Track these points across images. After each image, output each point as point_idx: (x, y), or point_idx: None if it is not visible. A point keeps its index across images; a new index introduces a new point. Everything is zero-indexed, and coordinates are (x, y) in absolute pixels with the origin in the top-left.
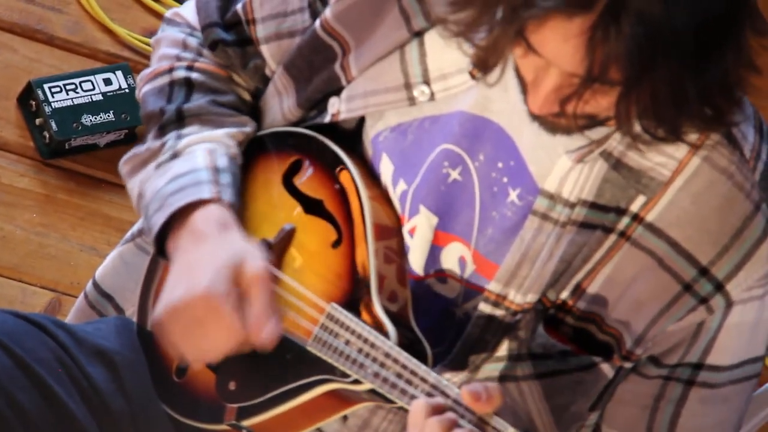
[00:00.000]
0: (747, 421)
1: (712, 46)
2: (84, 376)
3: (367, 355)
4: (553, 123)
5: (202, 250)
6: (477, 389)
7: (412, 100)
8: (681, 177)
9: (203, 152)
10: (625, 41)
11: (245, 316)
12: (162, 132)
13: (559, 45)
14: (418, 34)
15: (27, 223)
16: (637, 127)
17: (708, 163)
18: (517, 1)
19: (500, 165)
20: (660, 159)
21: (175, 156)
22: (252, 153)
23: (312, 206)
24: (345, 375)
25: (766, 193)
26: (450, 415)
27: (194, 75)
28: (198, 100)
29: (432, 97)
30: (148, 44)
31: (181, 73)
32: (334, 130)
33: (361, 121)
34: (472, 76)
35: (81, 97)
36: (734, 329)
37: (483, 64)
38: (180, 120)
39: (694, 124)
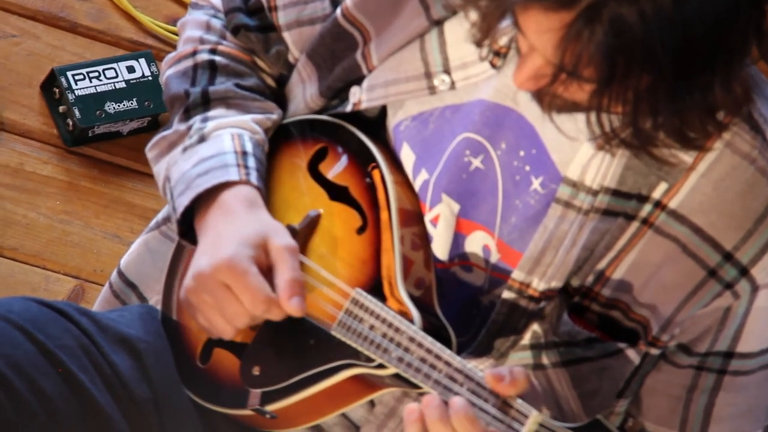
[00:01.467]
0: None
1: (695, 69)
2: (107, 364)
3: (391, 340)
4: (545, 102)
5: (229, 225)
6: (500, 372)
7: (432, 90)
8: (703, 163)
9: (230, 136)
10: (597, 45)
11: (273, 283)
12: (187, 115)
13: (539, 34)
14: (438, 23)
15: (50, 210)
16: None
17: (730, 148)
18: None
19: (522, 153)
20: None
21: (202, 139)
22: (278, 140)
23: (337, 193)
24: (369, 360)
25: None
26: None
27: (218, 58)
28: (223, 84)
29: (452, 86)
30: (171, 32)
31: (204, 56)
32: (357, 117)
33: (384, 109)
34: (493, 65)
35: (104, 84)
36: (762, 313)
37: (479, 36)
38: (206, 103)
39: (671, 138)
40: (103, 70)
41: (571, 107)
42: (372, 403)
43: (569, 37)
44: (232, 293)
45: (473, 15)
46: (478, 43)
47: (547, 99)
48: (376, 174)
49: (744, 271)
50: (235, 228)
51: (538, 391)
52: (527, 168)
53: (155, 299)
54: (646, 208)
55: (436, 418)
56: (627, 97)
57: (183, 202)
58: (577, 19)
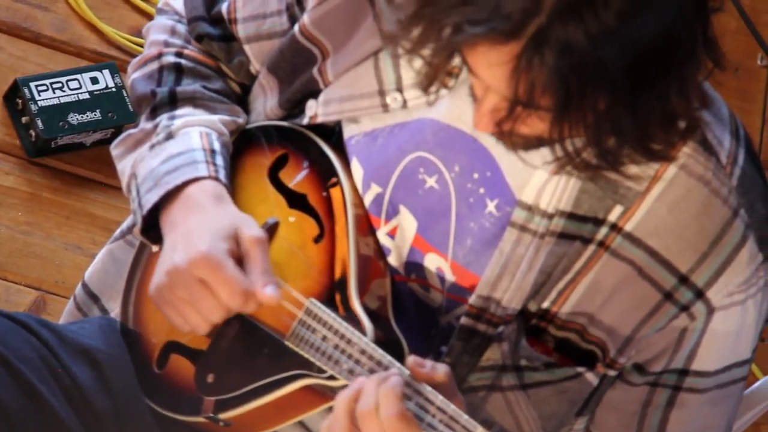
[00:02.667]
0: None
1: (649, 81)
2: (68, 375)
3: (342, 352)
4: (508, 141)
5: (199, 218)
6: (423, 361)
7: (385, 107)
8: (658, 186)
9: (198, 134)
10: (549, 71)
11: (247, 274)
12: (154, 114)
13: (489, 69)
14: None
15: (12, 221)
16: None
17: (684, 170)
18: (450, 23)
19: (476, 176)
20: (636, 169)
21: (169, 136)
22: (240, 144)
23: (296, 200)
24: (321, 370)
25: (743, 198)
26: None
27: (183, 61)
28: (189, 85)
29: (404, 104)
30: (135, 43)
31: (170, 59)
32: (318, 126)
33: (340, 122)
34: (444, 85)
35: (67, 95)
36: (717, 335)
37: (425, 82)
38: (173, 102)
39: (637, 153)
40: (67, 81)
41: (536, 143)
42: (330, 410)
43: (520, 67)
44: (209, 288)
45: (417, 62)
46: (426, 89)
47: (510, 137)
48: (328, 171)
49: (699, 294)
50: (206, 222)
51: (457, 393)
52: (482, 190)
53: (116, 311)
54: (602, 231)
55: (365, 407)
56: (587, 120)
57: (151, 198)
58: (525, 48)
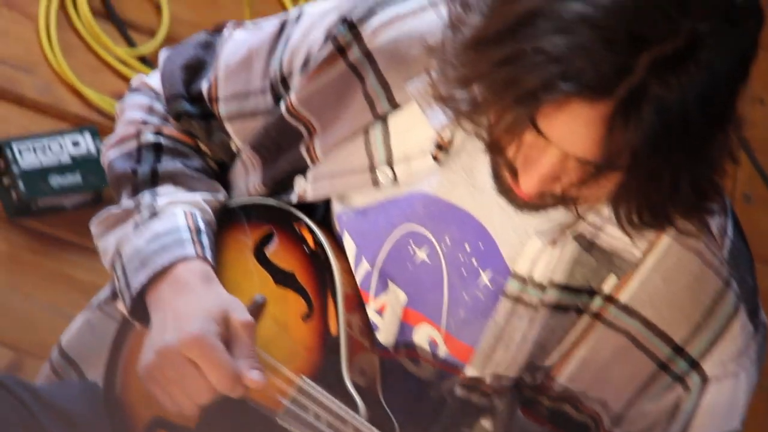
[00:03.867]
0: None
1: (711, 136)
2: None
3: (335, 430)
4: (523, 201)
5: (187, 299)
6: None
7: (375, 182)
8: (652, 256)
9: (183, 213)
10: (644, 129)
11: (235, 358)
12: (135, 192)
13: (574, 129)
14: (383, 117)
15: None
16: (606, 211)
17: (677, 241)
18: (535, 82)
19: (468, 248)
20: (627, 239)
21: (153, 215)
22: (223, 222)
23: (283, 278)
24: None
25: (734, 269)
26: None
27: (163, 140)
28: (170, 163)
29: (395, 179)
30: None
31: (149, 138)
32: (303, 202)
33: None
34: (435, 159)
35: (49, 158)
36: (710, 408)
37: (493, 148)
38: (154, 181)
39: (679, 211)
40: (49, 143)
41: (557, 202)
42: None
43: (615, 126)
44: (198, 370)
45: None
46: (493, 154)
47: (558, 199)
48: (315, 248)
49: (694, 364)
50: (196, 303)
51: None
52: (474, 262)
53: (95, 376)
54: (597, 302)
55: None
56: (663, 178)
57: (140, 279)
58: (619, 107)
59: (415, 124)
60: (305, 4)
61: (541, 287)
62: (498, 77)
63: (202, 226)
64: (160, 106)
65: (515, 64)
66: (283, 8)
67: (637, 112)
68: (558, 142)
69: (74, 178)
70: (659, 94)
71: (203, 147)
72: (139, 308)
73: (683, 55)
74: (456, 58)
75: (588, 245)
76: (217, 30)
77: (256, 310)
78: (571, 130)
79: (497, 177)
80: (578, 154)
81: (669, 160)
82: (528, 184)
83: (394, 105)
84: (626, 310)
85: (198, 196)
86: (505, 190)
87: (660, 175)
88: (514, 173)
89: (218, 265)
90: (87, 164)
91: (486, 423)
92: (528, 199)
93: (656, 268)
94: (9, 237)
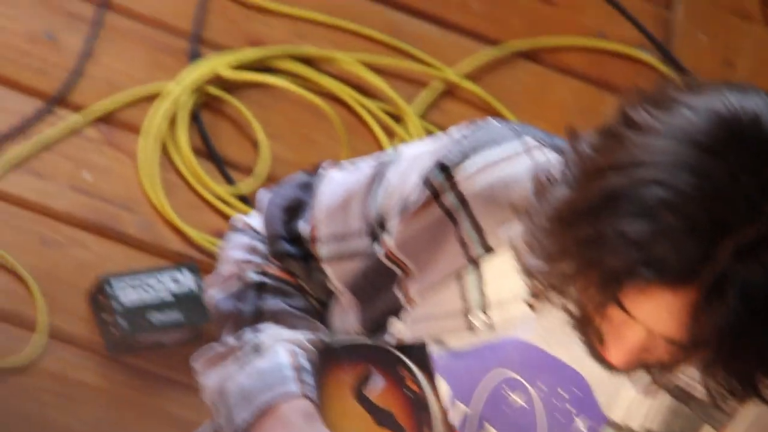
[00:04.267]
0: None
1: None
2: None
3: None
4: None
5: None
6: None
7: (470, 327)
8: (747, 408)
9: (285, 351)
10: (729, 314)
11: None
12: (238, 330)
13: (657, 312)
14: (476, 261)
15: (90, 417)
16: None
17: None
18: (618, 265)
19: (564, 394)
20: None
21: (256, 351)
22: (323, 361)
23: (383, 418)
24: None
25: None
26: None
27: (266, 279)
28: (273, 302)
29: (490, 324)
30: (216, 245)
31: (252, 277)
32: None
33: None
34: (531, 307)
35: (150, 295)
36: None
37: (579, 323)
38: (257, 320)
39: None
40: (149, 280)
41: (650, 368)
42: None
43: (699, 312)
44: None
45: (570, 307)
46: (581, 332)
47: (647, 370)
48: (414, 388)
49: None
50: None
51: None
52: (569, 407)
53: None
54: None
55: None
56: (750, 355)
57: (243, 416)
58: (704, 291)
59: (510, 270)
60: (402, 144)
61: None
62: (583, 256)
63: (304, 364)
64: (261, 246)
65: (598, 245)
66: (380, 147)
67: (721, 298)
68: (643, 321)
69: (175, 315)
70: (743, 280)
71: (304, 286)
72: None
73: (766, 239)
74: (541, 230)
75: (684, 396)
76: (315, 170)
77: None
78: (655, 312)
79: (587, 344)
80: (664, 334)
81: (756, 340)
82: (616, 357)
83: (488, 249)
84: None
85: (300, 335)
86: (596, 355)
87: (747, 352)
88: (603, 343)
89: (319, 403)
90: (188, 301)
91: None
92: (619, 368)
93: (755, 421)
94: (108, 374)
